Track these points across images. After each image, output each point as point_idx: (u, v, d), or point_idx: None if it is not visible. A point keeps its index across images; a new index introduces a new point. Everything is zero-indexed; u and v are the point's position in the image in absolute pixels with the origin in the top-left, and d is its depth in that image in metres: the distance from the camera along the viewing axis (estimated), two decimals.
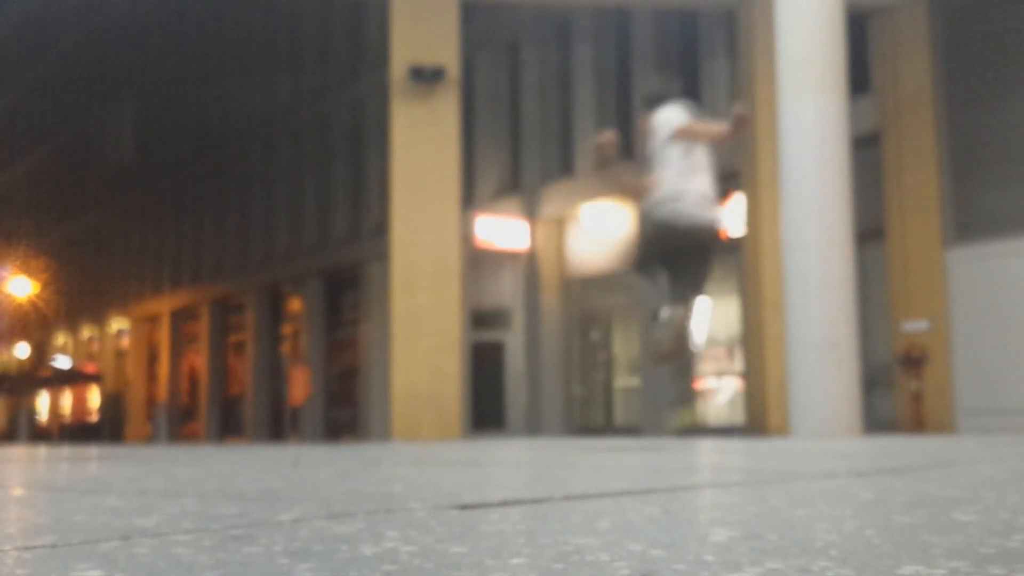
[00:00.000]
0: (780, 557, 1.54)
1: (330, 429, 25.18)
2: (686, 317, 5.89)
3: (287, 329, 27.43)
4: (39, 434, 40.09)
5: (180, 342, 32.92)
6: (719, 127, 6.06)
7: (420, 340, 14.20)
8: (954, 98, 14.83)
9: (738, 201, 15.71)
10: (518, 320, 21.24)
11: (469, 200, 19.87)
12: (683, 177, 5.85)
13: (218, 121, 30.64)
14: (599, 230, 19.15)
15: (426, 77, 14.41)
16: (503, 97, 22.26)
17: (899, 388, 15.12)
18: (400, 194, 14.53)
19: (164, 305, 33.34)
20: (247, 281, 28.69)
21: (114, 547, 1.72)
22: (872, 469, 4.02)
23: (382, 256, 17.45)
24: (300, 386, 25.91)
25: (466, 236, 18.40)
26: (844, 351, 11.46)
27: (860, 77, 14.34)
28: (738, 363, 17.18)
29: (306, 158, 26.73)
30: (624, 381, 20.37)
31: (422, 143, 14.55)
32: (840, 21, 11.94)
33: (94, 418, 38.45)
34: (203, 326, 31.13)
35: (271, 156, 28.11)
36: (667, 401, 18.36)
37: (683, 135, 5.90)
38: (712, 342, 17.56)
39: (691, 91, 15.61)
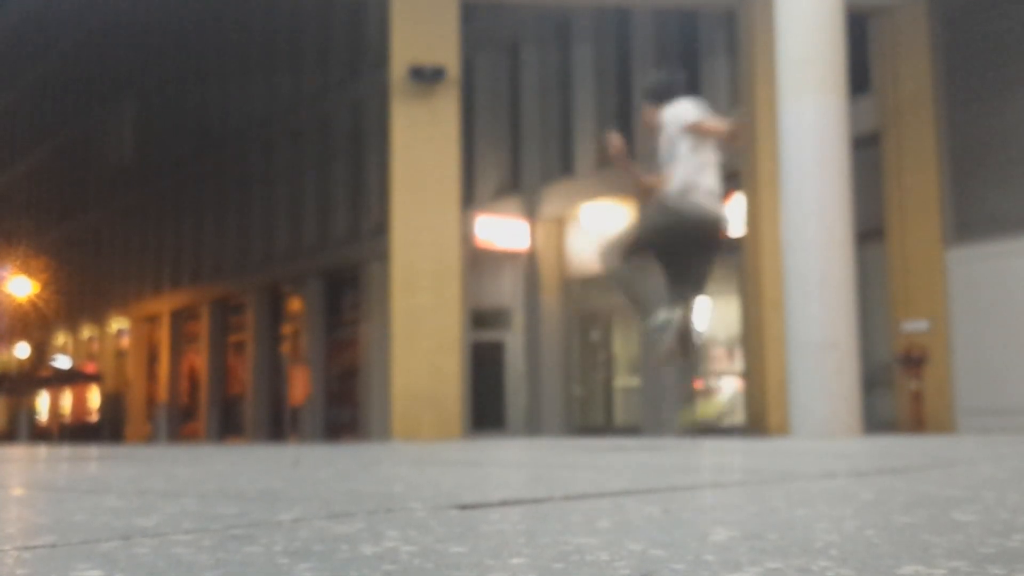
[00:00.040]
0: (780, 557, 1.54)
1: (330, 429, 25.18)
2: (687, 316, 5.86)
3: (287, 329, 27.43)
4: (39, 434, 40.09)
5: (180, 342, 32.92)
6: (729, 125, 6.01)
7: (420, 340, 14.20)
8: (954, 98, 14.83)
9: (738, 201, 15.71)
10: (518, 320, 21.24)
11: (469, 200, 19.87)
12: (694, 172, 5.80)
13: (218, 121, 30.64)
14: (599, 230, 19.15)
15: (426, 77, 14.41)
16: (503, 97, 22.26)
17: (899, 388, 15.13)
18: (400, 194, 14.53)
19: (164, 305, 33.34)
20: (247, 281, 28.69)
21: (114, 547, 1.72)
22: (872, 469, 4.02)
23: (382, 256, 17.46)
24: (300, 386, 25.92)
25: (466, 236, 18.40)
26: (844, 351, 11.46)
27: (860, 77, 14.34)
28: (738, 363, 17.19)
29: (306, 158, 26.73)
30: (624, 381, 20.37)
31: (422, 143, 14.55)
32: (840, 21, 11.94)
33: (94, 418, 38.45)
34: (203, 326, 31.13)
35: (271, 156, 28.11)
36: (674, 400, 18.38)
37: (696, 130, 5.82)
38: (712, 342, 17.58)
39: (691, 91, 15.61)
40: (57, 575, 1.45)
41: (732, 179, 15.23)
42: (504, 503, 2.49)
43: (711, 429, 16.17)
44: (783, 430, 13.01)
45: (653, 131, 6.19)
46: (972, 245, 14.44)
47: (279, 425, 26.63)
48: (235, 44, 29.65)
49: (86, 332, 39.64)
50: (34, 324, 41.12)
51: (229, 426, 29.66)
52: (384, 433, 17.22)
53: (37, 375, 41.50)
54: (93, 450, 8.67)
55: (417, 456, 5.91)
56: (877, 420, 14.08)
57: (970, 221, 14.55)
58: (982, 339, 14.20)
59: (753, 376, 15.76)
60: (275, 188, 27.83)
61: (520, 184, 21.50)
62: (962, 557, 1.51)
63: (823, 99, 11.69)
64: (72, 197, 40.60)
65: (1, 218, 46.11)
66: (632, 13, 19.18)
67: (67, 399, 40.99)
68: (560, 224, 20.67)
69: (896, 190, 15.29)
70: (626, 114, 19.41)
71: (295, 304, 26.97)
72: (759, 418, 15.17)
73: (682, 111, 5.94)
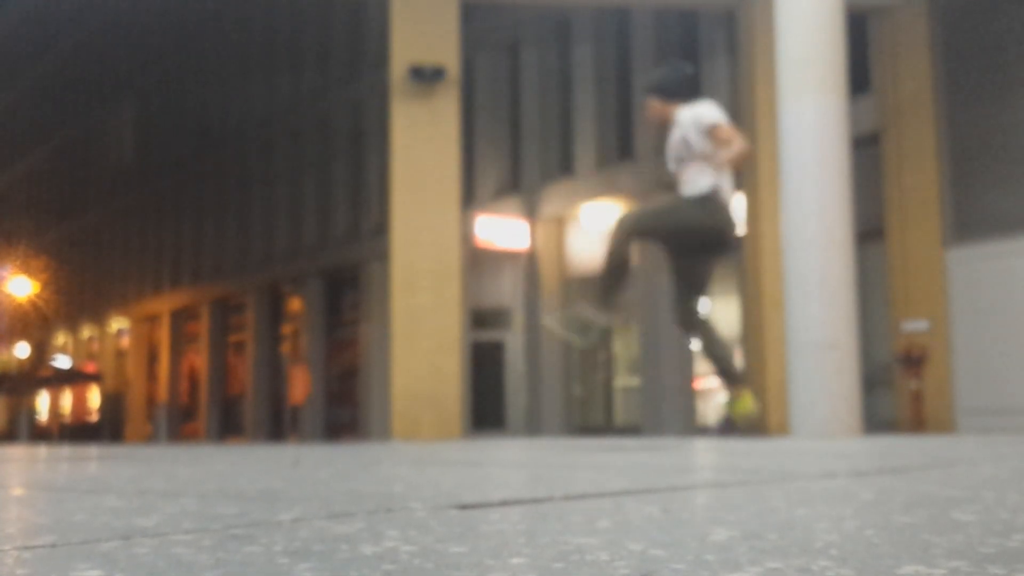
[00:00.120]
0: (780, 557, 1.54)
1: (330, 429, 25.19)
2: (710, 327, 5.84)
3: (287, 329, 27.44)
4: (39, 434, 40.11)
5: (180, 342, 32.93)
6: (746, 145, 5.83)
7: (420, 340, 14.20)
8: (954, 98, 14.83)
9: (738, 201, 15.72)
10: (518, 320, 21.25)
11: (469, 200, 19.87)
12: (717, 174, 5.71)
13: (218, 121, 30.64)
14: (599, 230, 19.15)
15: (426, 77, 14.42)
16: (503, 97, 22.26)
17: (899, 388, 15.13)
18: (400, 194, 14.53)
19: (164, 305, 33.34)
20: (247, 281, 28.69)
21: (114, 547, 1.72)
22: (872, 469, 4.02)
23: (382, 256, 17.46)
24: (300, 386, 25.92)
25: (466, 236, 18.40)
26: (844, 351, 11.47)
27: (860, 77, 14.34)
28: (738, 363, 17.18)
29: (306, 158, 26.74)
30: (624, 381, 20.38)
31: (422, 143, 14.55)
32: (840, 21, 11.94)
33: (94, 418, 38.46)
34: (203, 326, 31.14)
35: (271, 156, 28.11)
36: (676, 400, 18.37)
37: (716, 135, 5.67)
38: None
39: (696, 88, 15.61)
40: (57, 575, 1.45)
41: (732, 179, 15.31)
42: (504, 503, 2.49)
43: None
44: (783, 430, 13.01)
45: (661, 127, 6.06)
46: (972, 245, 14.44)
47: (279, 425, 26.64)
48: (235, 44, 29.65)
49: (86, 332, 39.65)
50: (34, 324, 41.13)
51: (229, 426, 29.66)
52: (384, 433, 17.22)
53: (37, 375, 41.51)
54: (93, 450, 8.67)
55: (417, 456, 5.91)
56: (877, 420, 14.08)
57: (970, 221, 14.55)
58: (982, 339, 14.20)
59: (753, 376, 15.76)
60: (275, 188, 27.84)
61: (520, 184, 21.50)
62: (962, 557, 1.51)
63: (823, 99, 11.69)
64: (72, 197, 40.61)
65: (1, 218, 46.11)
66: (632, 13, 19.18)
67: (67, 399, 41.01)
68: (560, 224, 20.67)
69: (896, 190, 15.29)
70: (626, 114, 19.42)
71: (295, 304, 26.98)
72: (759, 418, 15.17)
73: (705, 112, 5.79)
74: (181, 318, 32.74)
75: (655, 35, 19.04)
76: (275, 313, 28.07)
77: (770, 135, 13.20)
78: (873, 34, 15.72)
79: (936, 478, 3.37)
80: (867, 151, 14.56)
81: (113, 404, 36.60)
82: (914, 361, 14.71)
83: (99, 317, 38.04)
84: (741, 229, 6.28)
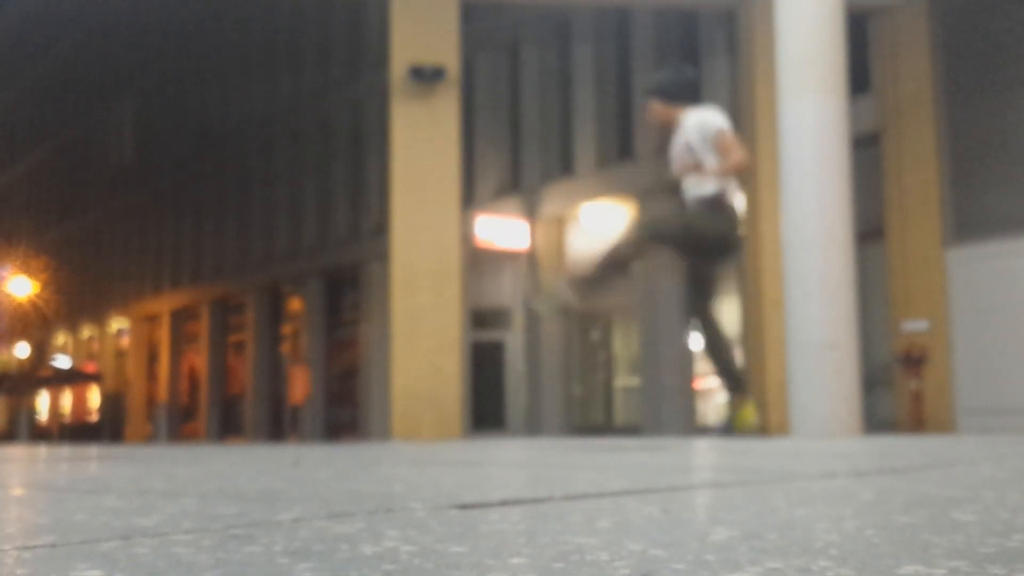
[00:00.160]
0: (780, 557, 1.53)
1: (330, 429, 25.19)
2: (718, 330, 5.87)
3: (287, 329, 27.44)
4: (39, 434, 40.10)
5: (180, 342, 32.93)
6: (747, 157, 5.83)
7: (420, 340, 14.20)
8: (954, 98, 14.83)
9: (738, 201, 15.71)
10: (518, 320, 21.25)
11: (469, 200, 19.87)
12: (724, 179, 5.72)
13: (218, 121, 30.64)
14: (599, 230, 19.15)
15: (426, 77, 14.42)
16: (503, 97, 22.26)
17: (899, 388, 15.13)
18: (400, 194, 14.53)
19: (164, 305, 33.34)
20: (247, 281, 28.69)
21: (114, 547, 1.72)
22: (872, 469, 4.02)
23: (382, 256, 17.46)
24: (300, 386, 25.92)
25: (466, 236, 18.40)
26: (844, 351, 11.46)
27: (860, 77, 14.34)
28: (738, 363, 17.17)
29: (306, 158, 26.74)
30: (624, 381, 20.38)
31: (422, 143, 14.55)
32: (840, 21, 11.94)
33: (94, 418, 38.47)
34: (203, 326, 31.14)
35: (271, 156, 28.12)
36: (679, 401, 18.35)
37: (721, 142, 5.66)
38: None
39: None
40: (57, 575, 1.45)
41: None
42: (504, 503, 2.49)
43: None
44: (783, 430, 13.01)
45: (663, 129, 6.04)
46: (972, 245, 14.44)
47: (279, 425, 26.63)
48: (235, 44, 29.65)
49: (86, 332, 39.65)
50: (34, 324, 41.13)
51: (229, 426, 29.67)
52: (384, 433, 17.22)
53: (37, 375, 41.52)
54: (93, 450, 8.67)
55: (417, 456, 5.91)
56: (877, 420, 14.08)
57: (970, 221, 14.55)
58: (982, 339, 14.20)
59: (753, 376, 15.76)
60: (275, 188, 27.84)
61: (520, 184, 21.50)
62: (962, 557, 1.51)
63: (823, 99, 11.69)
64: (72, 197, 40.61)
65: (1, 218, 46.11)
66: (632, 13, 19.18)
67: (67, 399, 41.01)
68: (560, 224, 20.67)
69: (896, 190, 15.29)
70: (626, 114, 19.42)
71: (295, 304, 26.98)
72: (759, 418, 15.16)
73: (710, 118, 5.77)
74: (181, 318, 32.74)
75: (655, 35, 19.04)
76: (275, 313, 28.07)
77: (770, 135, 13.20)
78: (873, 34, 15.72)
79: (936, 478, 3.37)
80: (867, 151, 14.55)
81: (113, 404, 36.60)
82: (914, 361, 14.71)
83: (99, 317, 38.04)
84: (743, 230, 6.27)
